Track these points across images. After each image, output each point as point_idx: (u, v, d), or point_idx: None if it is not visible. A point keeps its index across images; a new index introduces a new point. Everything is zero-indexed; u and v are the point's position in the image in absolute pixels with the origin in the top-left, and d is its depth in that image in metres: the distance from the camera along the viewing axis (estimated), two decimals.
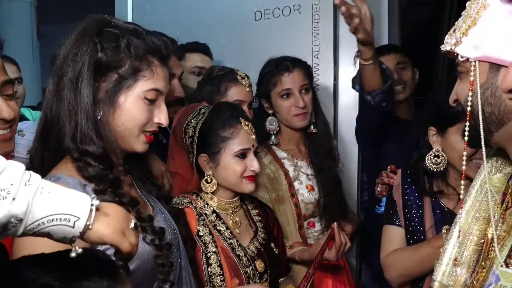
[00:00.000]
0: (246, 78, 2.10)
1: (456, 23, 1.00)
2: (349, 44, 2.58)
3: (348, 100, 2.61)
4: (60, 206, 0.82)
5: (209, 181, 1.68)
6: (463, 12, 0.99)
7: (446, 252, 1.14)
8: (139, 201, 1.24)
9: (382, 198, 2.00)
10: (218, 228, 1.65)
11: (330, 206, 2.16)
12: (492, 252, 0.97)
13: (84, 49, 1.16)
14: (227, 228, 1.66)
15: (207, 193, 1.69)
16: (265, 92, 2.19)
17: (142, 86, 1.19)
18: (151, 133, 1.25)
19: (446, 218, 1.64)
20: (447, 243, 1.15)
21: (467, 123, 0.98)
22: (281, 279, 1.80)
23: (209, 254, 1.59)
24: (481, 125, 0.95)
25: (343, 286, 2.12)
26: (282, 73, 2.14)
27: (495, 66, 0.94)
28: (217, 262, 1.58)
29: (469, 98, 0.97)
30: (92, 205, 0.85)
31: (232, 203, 1.72)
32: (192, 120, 1.72)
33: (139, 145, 1.25)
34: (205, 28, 2.87)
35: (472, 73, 0.96)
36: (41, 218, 0.80)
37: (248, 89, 2.08)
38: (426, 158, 1.63)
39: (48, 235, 0.82)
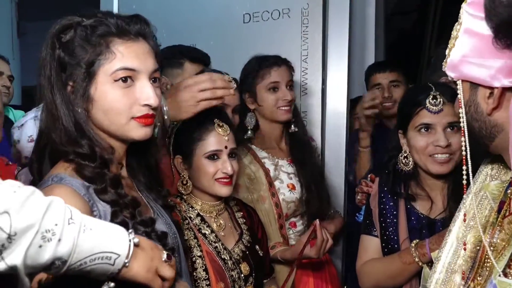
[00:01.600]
0: (232, 81, 2.08)
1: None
2: (337, 49, 2.60)
3: (337, 104, 2.61)
4: (102, 244, 0.82)
5: (184, 182, 1.67)
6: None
7: (440, 260, 1.14)
8: (140, 203, 1.20)
9: (362, 207, 2.02)
10: (203, 231, 1.63)
11: (312, 201, 2.17)
12: (489, 260, 0.97)
13: (47, 54, 1.14)
14: (212, 231, 1.64)
15: (192, 195, 1.68)
16: (249, 86, 2.20)
17: (107, 69, 1.12)
18: (144, 117, 1.16)
19: (422, 224, 1.66)
20: (441, 251, 1.15)
21: (462, 138, 1.02)
22: (265, 280, 1.80)
23: (194, 258, 1.56)
24: (467, 140, 0.98)
25: (325, 283, 2.11)
26: (271, 67, 2.18)
27: (474, 84, 0.96)
28: (202, 267, 1.56)
29: (460, 115, 1.01)
30: (130, 240, 0.85)
31: (216, 206, 1.70)
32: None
33: (133, 132, 1.16)
34: (193, 29, 2.83)
35: (458, 92, 1.00)
36: (84, 258, 0.80)
37: (233, 93, 2.06)
38: (398, 159, 1.67)
39: (88, 273, 0.82)
